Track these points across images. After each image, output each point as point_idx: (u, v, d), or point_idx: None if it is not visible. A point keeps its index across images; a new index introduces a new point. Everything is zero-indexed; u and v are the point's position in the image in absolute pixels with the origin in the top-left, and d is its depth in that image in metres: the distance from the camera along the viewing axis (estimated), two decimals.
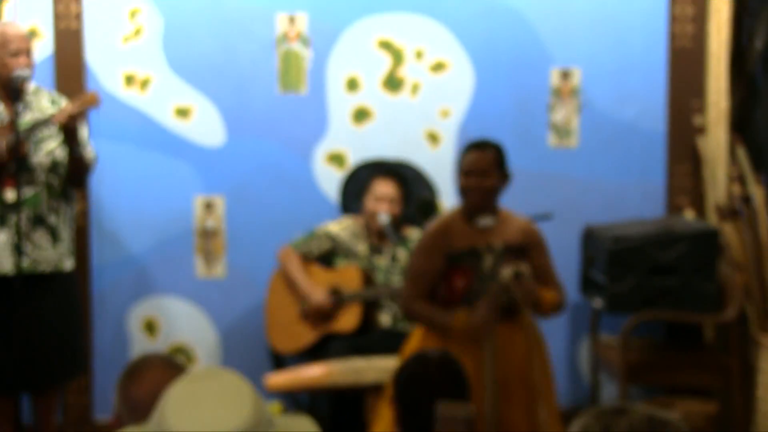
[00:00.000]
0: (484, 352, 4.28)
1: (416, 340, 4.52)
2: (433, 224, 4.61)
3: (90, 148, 5.23)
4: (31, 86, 5.20)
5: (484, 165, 4.47)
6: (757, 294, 5.39)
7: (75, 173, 5.17)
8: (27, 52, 5.12)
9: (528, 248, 4.51)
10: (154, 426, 1.94)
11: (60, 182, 5.19)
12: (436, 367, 3.19)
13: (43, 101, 5.21)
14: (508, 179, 4.55)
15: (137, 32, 5.76)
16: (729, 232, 5.53)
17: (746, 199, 5.45)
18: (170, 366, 2.58)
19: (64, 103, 5.24)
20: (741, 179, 5.62)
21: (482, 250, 4.45)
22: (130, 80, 5.77)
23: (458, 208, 4.60)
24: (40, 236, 5.13)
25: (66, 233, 5.23)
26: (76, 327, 5.37)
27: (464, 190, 4.50)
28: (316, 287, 5.55)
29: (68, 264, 5.24)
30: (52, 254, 5.17)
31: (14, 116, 4.99)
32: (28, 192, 5.09)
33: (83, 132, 5.19)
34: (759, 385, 5.29)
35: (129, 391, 2.53)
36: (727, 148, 5.77)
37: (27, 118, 5.09)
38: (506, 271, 4.42)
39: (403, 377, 3.21)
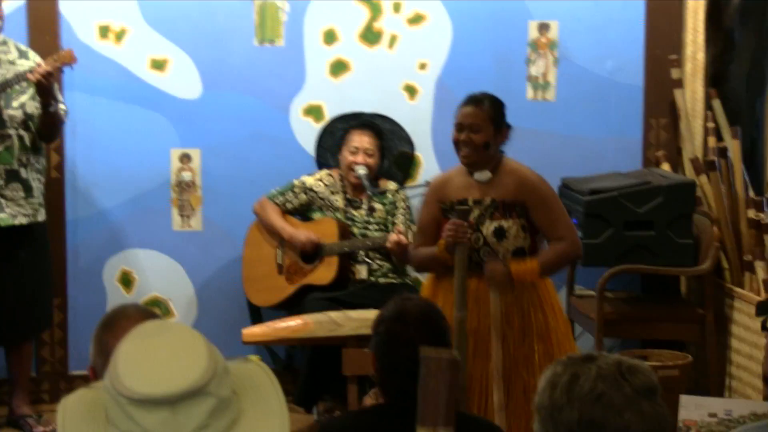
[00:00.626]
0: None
1: (427, 287, 4.60)
2: (435, 177, 4.65)
3: (62, 103, 5.20)
4: None
5: (474, 119, 4.45)
6: (731, 247, 5.41)
7: (48, 128, 5.16)
8: None
9: (524, 204, 4.48)
10: (108, 387, 1.89)
11: (31, 136, 5.17)
12: (416, 325, 3.14)
13: (11, 53, 5.17)
14: (505, 133, 4.53)
15: None
16: (705, 185, 5.55)
17: (722, 152, 5.46)
18: (146, 316, 2.55)
19: (32, 54, 5.21)
20: (717, 132, 5.63)
21: (471, 203, 4.45)
22: (104, 31, 5.72)
23: None
24: (14, 190, 5.11)
25: (37, 185, 5.22)
26: (48, 280, 5.38)
27: (456, 144, 4.48)
28: (297, 229, 5.55)
29: (41, 216, 5.24)
30: (26, 207, 5.15)
31: None
32: (0, 147, 5.07)
33: (56, 86, 5.16)
34: (733, 337, 5.32)
35: (104, 341, 2.50)
36: (704, 101, 5.77)
37: (15, 73, 5.06)
38: (488, 226, 4.42)
39: (382, 331, 3.16)
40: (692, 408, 3.52)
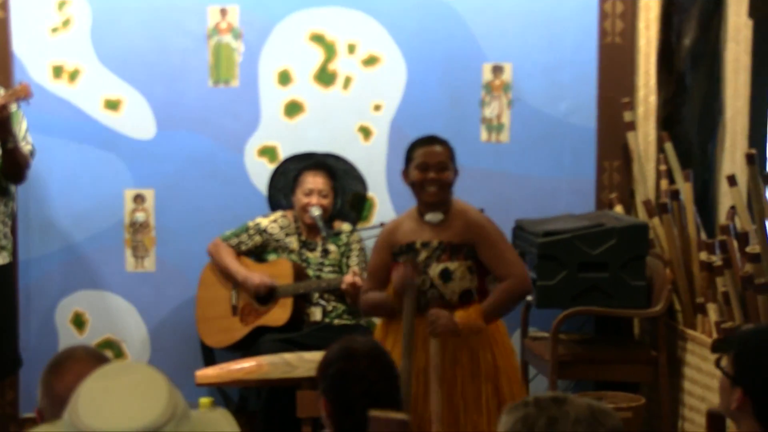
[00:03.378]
0: (424, 343, 4.30)
1: (379, 330, 4.59)
2: (388, 222, 4.66)
3: (27, 143, 5.15)
4: None
5: (441, 158, 4.48)
6: (684, 289, 5.44)
7: (10, 167, 5.08)
8: None
9: (473, 245, 4.50)
10: (67, 423, 1.90)
11: None
12: (366, 361, 3.15)
13: None
14: (457, 174, 4.56)
15: (66, 23, 5.69)
16: (657, 228, 5.59)
17: (674, 195, 5.50)
18: (94, 358, 2.53)
19: None
20: (669, 175, 5.68)
21: (419, 246, 4.46)
22: (58, 71, 5.70)
23: (415, 206, 4.60)
24: None
25: (0, 227, 5.15)
26: (9, 324, 5.31)
27: (420, 184, 4.47)
28: (251, 271, 5.53)
29: (3, 258, 5.16)
30: None
31: None
32: None
33: (21, 125, 5.12)
34: (686, 379, 5.35)
35: (51, 384, 2.49)
36: (656, 144, 5.83)
37: None
38: (435, 268, 4.44)
39: (332, 373, 3.17)
40: None
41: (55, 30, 5.68)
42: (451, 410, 4.34)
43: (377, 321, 4.99)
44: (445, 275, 4.43)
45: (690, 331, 5.35)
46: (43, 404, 2.48)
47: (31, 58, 5.67)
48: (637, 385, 5.62)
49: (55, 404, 2.45)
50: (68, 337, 5.74)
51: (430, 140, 4.54)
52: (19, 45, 5.64)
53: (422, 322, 4.35)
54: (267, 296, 5.51)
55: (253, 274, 5.52)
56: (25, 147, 5.14)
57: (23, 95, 4.96)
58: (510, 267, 4.55)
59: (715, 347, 4.84)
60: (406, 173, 4.55)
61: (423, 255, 4.45)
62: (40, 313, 5.74)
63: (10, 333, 5.33)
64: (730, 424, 4.58)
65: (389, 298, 4.40)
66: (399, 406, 3.20)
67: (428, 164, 4.46)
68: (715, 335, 5.04)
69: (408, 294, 4.23)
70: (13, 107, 5.01)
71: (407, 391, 4.11)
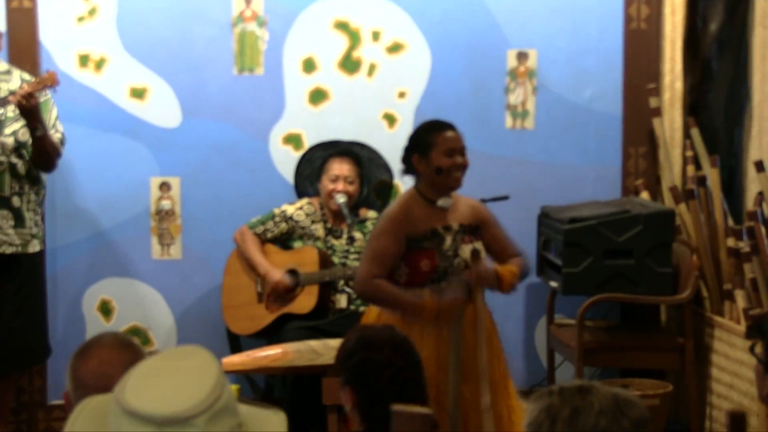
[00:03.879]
0: (444, 332, 4.29)
1: (372, 319, 4.52)
2: (394, 209, 4.56)
3: (57, 131, 5.18)
4: (1, 66, 5.18)
5: (463, 143, 4.49)
6: (711, 275, 5.43)
7: (39, 155, 5.12)
8: None
9: (480, 225, 4.53)
10: (115, 391, 1.95)
11: (25, 165, 5.15)
12: (389, 348, 3.15)
13: (14, 82, 5.16)
14: None
15: (91, 12, 5.70)
16: (684, 214, 5.57)
17: (701, 181, 5.48)
18: (121, 345, 2.56)
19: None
20: (696, 161, 5.66)
21: (441, 230, 4.45)
22: (84, 60, 5.72)
23: (413, 190, 4.56)
24: (2, 218, 5.09)
25: (30, 216, 5.18)
26: (39, 313, 5.34)
27: (447, 170, 4.44)
28: (273, 266, 5.54)
29: (33, 247, 5.20)
30: (14, 237, 5.12)
31: None
32: None
33: (51, 113, 5.16)
34: (713, 366, 5.33)
35: (76, 367, 2.53)
36: (682, 130, 5.80)
37: None
38: (465, 250, 4.43)
39: (355, 363, 3.16)
40: None
41: (81, 19, 5.70)
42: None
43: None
44: (476, 254, 4.43)
45: (717, 318, 5.33)
46: (70, 387, 2.53)
47: (58, 47, 5.69)
48: (664, 373, 5.61)
49: (79, 388, 2.49)
50: (95, 325, 5.77)
51: (447, 126, 4.52)
52: (46, 34, 5.66)
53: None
54: (285, 294, 5.52)
55: (274, 272, 5.52)
56: (55, 135, 5.17)
57: (50, 83, 4.99)
58: (515, 247, 4.63)
59: (749, 334, 4.81)
60: (420, 159, 4.48)
61: (448, 240, 4.43)
62: (67, 301, 5.77)
63: (40, 321, 5.36)
64: (752, 421, 4.57)
65: (426, 307, 4.35)
66: (424, 392, 3.20)
67: (455, 149, 4.44)
68: (743, 322, 5.02)
69: (458, 314, 4.27)
70: (41, 96, 5.04)
71: (457, 392, 4.14)
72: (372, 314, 4.56)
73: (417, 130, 4.56)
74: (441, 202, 4.47)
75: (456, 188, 4.48)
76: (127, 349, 2.56)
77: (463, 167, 4.47)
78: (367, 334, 3.22)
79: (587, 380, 2.31)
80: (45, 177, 5.31)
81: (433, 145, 4.45)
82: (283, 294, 5.52)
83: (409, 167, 4.53)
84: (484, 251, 4.47)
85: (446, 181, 4.45)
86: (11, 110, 5.04)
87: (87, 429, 2.04)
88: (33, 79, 5.08)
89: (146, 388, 1.92)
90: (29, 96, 4.91)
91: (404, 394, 3.03)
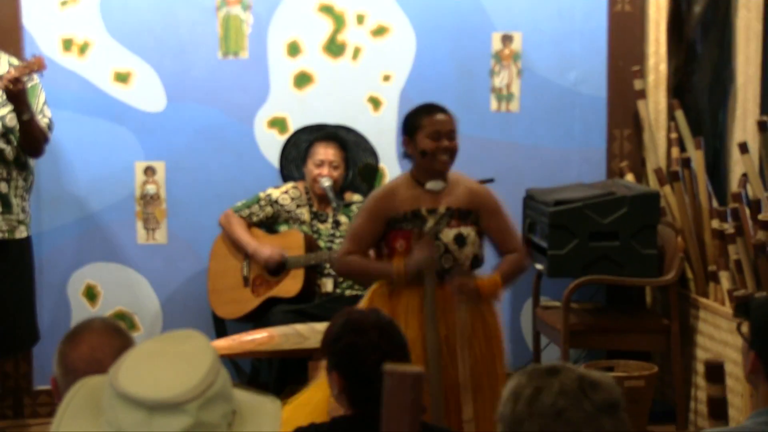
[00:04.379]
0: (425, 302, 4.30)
1: (365, 304, 4.52)
2: (378, 189, 4.58)
3: (45, 116, 5.17)
4: None
5: (452, 126, 4.46)
6: (696, 257, 5.44)
7: (26, 140, 5.11)
8: None
9: (478, 212, 4.49)
10: (108, 377, 1.95)
11: (13, 151, 5.13)
12: (375, 331, 3.15)
13: (1, 66, 5.15)
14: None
15: None
16: (668, 196, 5.58)
17: (686, 163, 5.49)
18: (111, 330, 2.56)
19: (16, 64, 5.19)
20: (680, 143, 5.67)
21: (425, 213, 4.43)
22: (68, 45, 5.70)
23: (405, 173, 4.57)
24: None
25: (17, 202, 5.17)
26: (27, 298, 5.32)
27: (432, 153, 4.43)
28: (262, 244, 5.54)
29: (20, 233, 5.19)
30: (1, 223, 5.11)
31: None
32: None
33: (39, 98, 5.14)
34: (698, 347, 5.35)
35: (65, 352, 2.52)
36: (667, 112, 5.81)
37: None
38: (448, 234, 4.42)
39: (342, 347, 3.15)
40: None
41: (64, 3, 5.68)
42: (473, 376, 4.34)
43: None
44: (460, 240, 4.42)
45: (702, 300, 5.35)
46: (57, 373, 2.52)
47: (41, 31, 5.66)
48: (650, 354, 5.63)
49: (68, 373, 2.48)
50: (81, 310, 5.76)
51: (437, 108, 4.50)
52: (29, 18, 5.64)
53: (438, 290, 4.34)
54: (278, 268, 5.52)
55: (264, 246, 5.53)
56: (42, 120, 5.15)
57: (37, 68, 4.98)
58: (516, 241, 4.59)
59: (736, 313, 4.83)
60: (409, 141, 4.49)
61: (430, 222, 4.42)
62: (52, 286, 5.76)
63: (28, 307, 5.35)
64: (736, 402, 4.60)
65: (394, 272, 4.35)
66: None
67: (441, 132, 4.42)
68: (728, 303, 5.04)
69: (428, 270, 4.23)
70: (29, 81, 5.03)
71: (437, 362, 4.13)
72: (365, 301, 4.57)
73: (409, 112, 4.55)
74: (430, 185, 4.45)
75: (442, 171, 4.46)
76: (117, 334, 2.56)
77: (450, 151, 4.44)
78: (353, 317, 3.21)
79: (562, 362, 2.31)
80: (33, 163, 5.29)
81: (419, 128, 4.44)
82: (275, 269, 5.51)
83: (404, 150, 4.53)
84: (472, 236, 4.45)
85: (431, 164, 4.44)
86: None
87: (81, 410, 2.04)
88: (20, 64, 5.06)
89: (140, 371, 1.91)
90: (15, 80, 4.89)
91: None
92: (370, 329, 3.13)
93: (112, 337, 2.54)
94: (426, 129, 4.42)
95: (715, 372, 3.65)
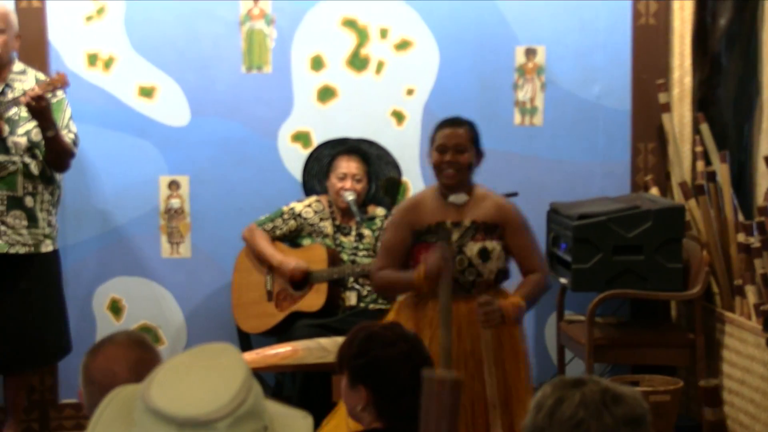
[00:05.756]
0: (457, 328, 4.28)
1: (392, 317, 4.52)
2: (403, 201, 4.60)
3: (70, 131, 5.19)
4: (17, 66, 5.19)
5: (459, 141, 4.44)
6: (721, 271, 5.41)
7: (51, 155, 5.15)
8: None
9: (503, 227, 4.48)
10: (140, 391, 1.95)
11: (39, 165, 5.16)
12: (406, 343, 3.14)
13: (28, 82, 5.18)
14: (482, 157, 4.54)
15: (100, 11, 5.71)
16: (693, 210, 5.55)
17: (711, 177, 5.47)
18: (130, 343, 2.58)
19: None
20: (705, 156, 5.64)
21: (450, 225, 4.42)
22: (93, 59, 5.72)
23: (433, 186, 4.58)
24: (15, 218, 5.10)
25: (43, 216, 5.19)
26: (55, 312, 5.34)
27: (438, 167, 4.45)
28: (287, 256, 5.55)
29: (46, 247, 5.21)
30: (27, 237, 5.14)
31: None
32: (3, 173, 5.07)
33: (64, 114, 5.18)
34: (724, 362, 5.32)
35: (86, 364, 2.56)
36: (691, 125, 5.79)
37: (9, 98, 5.08)
38: (472, 247, 4.41)
39: (373, 359, 3.13)
40: None
41: (89, 18, 5.71)
42: (499, 393, 4.31)
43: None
44: (484, 254, 4.41)
45: (728, 314, 5.31)
46: (81, 384, 2.56)
47: (67, 46, 5.70)
48: (675, 369, 5.60)
49: (88, 384, 2.53)
50: (105, 324, 5.77)
51: (453, 122, 4.51)
52: (55, 33, 5.67)
53: (461, 304, 4.33)
54: (302, 281, 5.52)
55: (289, 259, 5.53)
56: (68, 136, 5.18)
57: (60, 84, 5.01)
58: (539, 260, 4.55)
59: (765, 327, 4.78)
60: (428, 155, 4.53)
61: (455, 235, 4.42)
62: (77, 300, 5.77)
63: (57, 320, 5.36)
64: (763, 416, 4.56)
65: (415, 279, 4.35)
66: None
67: (446, 146, 4.43)
68: (754, 318, 5.01)
69: (445, 275, 4.21)
70: (55, 96, 5.06)
71: (447, 363, 4.10)
72: (390, 316, 4.58)
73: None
74: (452, 198, 4.45)
75: (449, 185, 4.46)
76: (136, 347, 2.57)
77: (455, 165, 4.43)
78: (376, 331, 3.21)
79: (590, 375, 2.30)
80: (60, 177, 5.32)
81: (432, 141, 4.50)
82: (299, 282, 5.50)
83: None
84: (497, 251, 4.43)
85: (439, 177, 4.46)
86: (25, 110, 5.05)
87: (114, 421, 2.04)
88: (43, 81, 5.09)
89: (171, 387, 1.91)
90: (39, 98, 4.92)
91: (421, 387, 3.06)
92: (398, 341, 3.13)
93: (129, 349, 2.56)
94: (435, 143, 4.47)
95: (712, 395, 3.60)
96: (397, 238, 4.50)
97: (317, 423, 5.18)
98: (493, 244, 4.44)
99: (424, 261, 4.33)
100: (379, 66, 5.83)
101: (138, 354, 2.54)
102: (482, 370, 4.26)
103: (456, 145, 4.43)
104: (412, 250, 4.46)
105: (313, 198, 5.67)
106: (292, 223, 5.62)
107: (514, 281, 4.60)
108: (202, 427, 1.87)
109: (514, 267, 4.60)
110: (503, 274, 4.50)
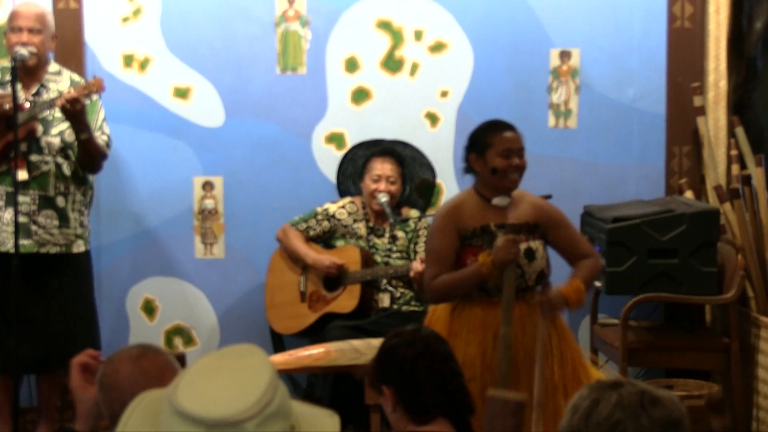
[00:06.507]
0: (490, 331, 4.26)
1: (426, 322, 4.52)
2: (444, 206, 4.56)
3: (104, 133, 5.22)
4: (52, 66, 5.23)
5: (521, 144, 4.43)
6: (756, 275, 5.38)
7: (84, 157, 5.18)
8: (34, 31, 5.11)
9: (545, 225, 4.46)
10: (167, 393, 1.96)
11: (71, 165, 5.20)
12: (421, 343, 3.19)
13: (63, 83, 5.21)
14: None
15: (136, 13, 5.74)
16: (728, 213, 5.53)
17: (746, 180, 5.44)
18: (131, 357, 2.56)
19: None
20: (740, 160, 5.62)
21: (494, 228, 4.40)
22: (129, 60, 5.76)
23: (469, 189, 4.54)
24: (47, 217, 5.13)
25: (75, 216, 5.23)
26: (87, 312, 5.36)
27: (503, 171, 4.40)
28: (321, 254, 5.56)
29: (78, 247, 5.24)
30: (58, 237, 5.16)
31: (15, 96, 4.91)
32: (36, 172, 5.11)
33: (98, 116, 5.21)
34: (760, 367, 5.29)
35: (100, 372, 2.60)
36: (727, 129, 5.76)
37: (44, 99, 5.12)
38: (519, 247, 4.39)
39: (390, 362, 3.19)
40: None
41: (125, 20, 5.74)
42: (547, 389, 4.28)
43: None
44: (530, 255, 4.38)
45: (764, 318, 5.28)
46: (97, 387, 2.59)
47: (103, 47, 5.73)
48: (709, 373, 5.57)
49: (103, 393, 2.55)
50: (139, 324, 5.80)
51: (507, 126, 4.47)
52: (91, 35, 5.71)
53: (516, 305, 4.29)
54: (336, 280, 5.53)
55: (324, 256, 5.54)
56: (101, 137, 5.21)
57: (96, 89, 5.04)
58: (587, 247, 4.55)
59: None
60: (477, 158, 4.45)
61: (500, 237, 4.36)
62: (111, 300, 5.81)
63: (89, 320, 5.38)
64: None
65: (482, 266, 4.27)
66: (462, 381, 3.22)
67: (512, 150, 4.39)
68: None
69: (510, 267, 4.20)
70: (88, 100, 5.09)
71: (507, 366, 4.09)
72: (427, 316, 4.58)
73: (476, 129, 4.51)
74: (496, 200, 4.42)
75: (512, 189, 4.44)
76: (134, 361, 2.56)
77: (520, 168, 4.42)
78: (396, 333, 3.28)
79: (630, 378, 2.30)
80: (93, 178, 5.35)
81: (490, 145, 4.39)
82: (334, 280, 5.51)
83: (468, 166, 4.49)
84: (541, 250, 4.42)
85: (502, 181, 4.40)
86: (59, 111, 5.08)
87: (141, 424, 2.05)
88: (82, 81, 5.13)
89: (198, 388, 1.92)
90: (74, 101, 4.95)
91: (443, 384, 3.09)
92: (415, 340, 3.20)
93: (126, 364, 2.55)
94: (497, 147, 4.37)
95: (717, 406, 3.58)
96: (446, 243, 4.41)
97: (347, 424, 5.20)
98: (536, 244, 4.42)
99: (489, 250, 4.29)
100: (414, 68, 5.83)
101: (132, 369, 2.53)
102: (533, 368, 4.22)
103: (519, 149, 4.41)
104: (458, 253, 4.43)
105: (347, 199, 5.68)
106: (325, 224, 5.63)
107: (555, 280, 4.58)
108: (230, 427, 1.88)
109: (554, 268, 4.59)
110: (543, 275, 4.47)
